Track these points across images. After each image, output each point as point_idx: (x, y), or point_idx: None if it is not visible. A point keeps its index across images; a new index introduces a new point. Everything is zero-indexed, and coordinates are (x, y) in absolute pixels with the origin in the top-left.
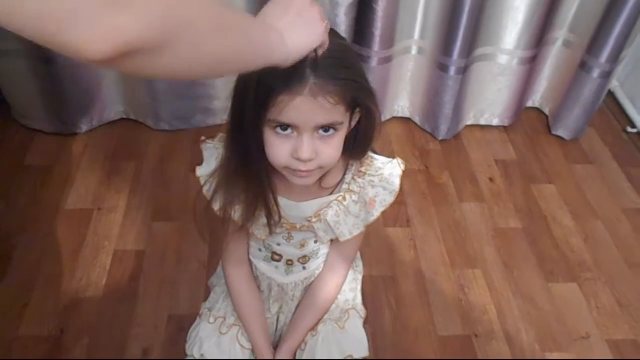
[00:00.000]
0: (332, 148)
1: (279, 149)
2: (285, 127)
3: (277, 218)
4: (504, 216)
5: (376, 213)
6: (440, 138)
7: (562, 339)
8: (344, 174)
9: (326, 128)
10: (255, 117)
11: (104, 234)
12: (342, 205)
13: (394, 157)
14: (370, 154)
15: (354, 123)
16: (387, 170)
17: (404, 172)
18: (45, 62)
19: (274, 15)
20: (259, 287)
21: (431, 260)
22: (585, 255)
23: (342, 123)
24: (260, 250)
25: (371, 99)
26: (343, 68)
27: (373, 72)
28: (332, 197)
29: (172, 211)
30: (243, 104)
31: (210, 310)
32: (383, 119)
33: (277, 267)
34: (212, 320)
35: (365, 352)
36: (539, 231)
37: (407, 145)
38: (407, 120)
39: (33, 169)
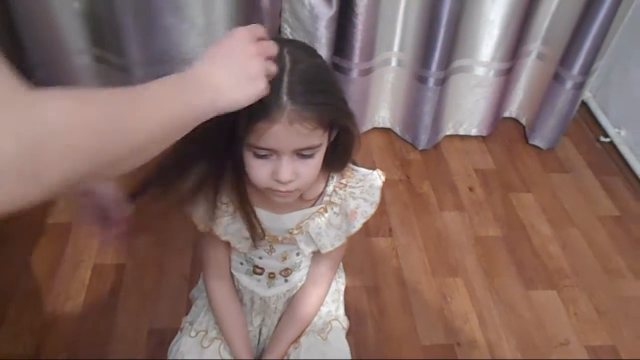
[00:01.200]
0: (311, 168)
1: (259, 171)
2: (264, 150)
3: (259, 231)
4: (484, 225)
5: (357, 224)
6: (421, 148)
7: (542, 346)
8: (326, 186)
9: (305, 150)
10: (233, 139)
11: (83, 248)
12: (323, 217)
13: (374, 169)
14: (351, 165)
15: (333, 136)
16: (367, 182)
17: (384, 182)
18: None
19: (213, 64)
20: (240, 300)
21: (413, 270)
22: (563, 263)
23: (320, 145)
24: (241, 263)
25: (349, 119)
26: (319, 92)
27: (354, 84)
28: (314, 209)
29: (153, 224)
30: (220, 126)
31: (191, 324)
32: (364, 130)
33: (259, 280)
34: (193, 334)
35: None
36: (518, 239)
37: (388, 156)
38: (387, 130)
39: None
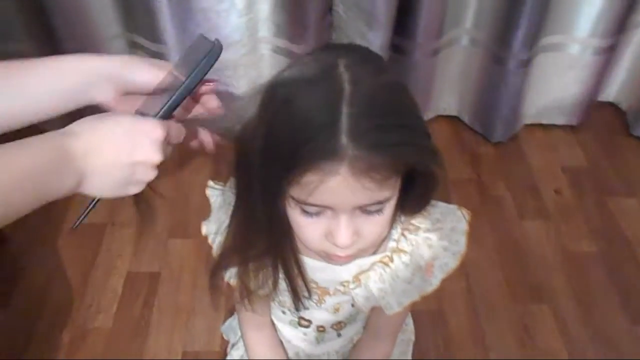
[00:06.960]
0: (378, 226)
1: (309, 231)
2: (315, 207)
3: (304, 292)
4: (575, 237)
5: (435, 282)
6: (494, 140)
7: None
8: (391, 228)
9: (371, 206)
10: (272, 192)
11: (116, 252)
12: (388, 268)
13: (451, 202)
14: None
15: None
16: (448, 224)
17: (469, 222)
18: None
19: (97, 153)
20: None
21: (486, 293)
22: None
23: (391, 197)
24: (284, 312)
25: (434, 161)
26: (394, 128)
27: (416, 68)
28: (376, 258)
29: (190, 226)
30: (252, 175)
31: None
32: (427, 118)
33: (305, 334)
34: None
35: None
36: (620, 256)
37: (454, 149)
38: (453, 119)
39: None
